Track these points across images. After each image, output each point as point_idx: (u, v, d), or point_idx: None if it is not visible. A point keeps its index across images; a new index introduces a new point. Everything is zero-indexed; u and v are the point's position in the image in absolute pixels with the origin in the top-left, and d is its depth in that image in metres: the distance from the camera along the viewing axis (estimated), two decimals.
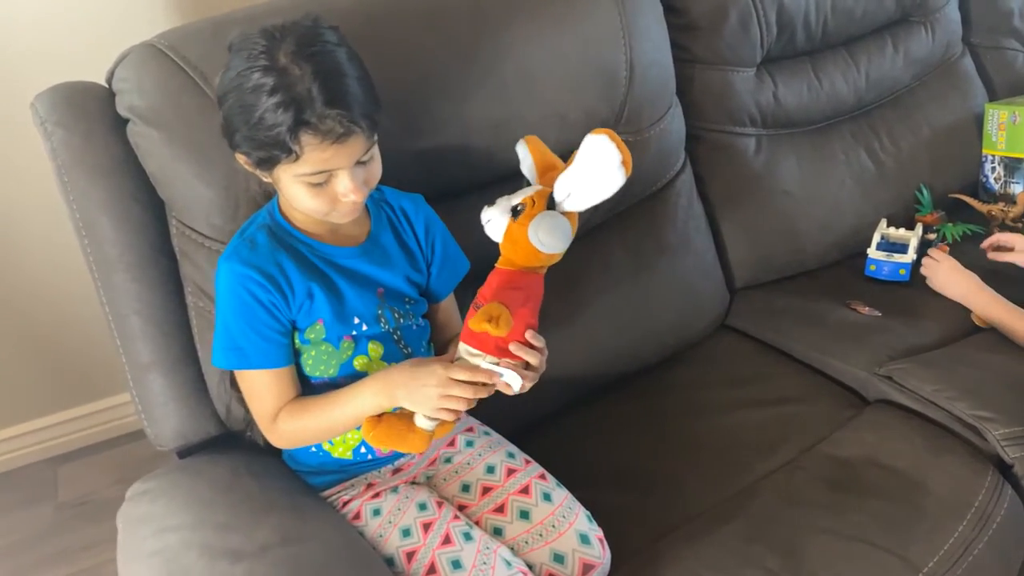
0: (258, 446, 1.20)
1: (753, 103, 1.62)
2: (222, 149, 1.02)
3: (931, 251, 1.58)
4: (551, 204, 1.02)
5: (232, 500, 1.05)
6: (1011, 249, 1.57)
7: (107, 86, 1.15)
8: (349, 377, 1.06)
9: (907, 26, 1.82)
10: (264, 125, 0.90)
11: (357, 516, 1.09)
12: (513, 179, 1.36)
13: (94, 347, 1.93)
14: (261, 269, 1.00)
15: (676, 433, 1.36)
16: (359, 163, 0.96)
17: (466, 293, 1.19)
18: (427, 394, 0.98)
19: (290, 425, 1.05)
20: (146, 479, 1.13)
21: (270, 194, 1.09)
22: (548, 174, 1.06)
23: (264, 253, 1.01)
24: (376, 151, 1.00)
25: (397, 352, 1.10)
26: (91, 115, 1.12)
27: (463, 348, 1.01)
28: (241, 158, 0.98)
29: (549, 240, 0.99)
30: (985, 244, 1.61)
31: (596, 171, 0.98)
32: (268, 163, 0.94)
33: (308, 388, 1.08)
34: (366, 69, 0.97)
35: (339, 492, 1.13)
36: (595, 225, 1.46)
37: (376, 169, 1.00)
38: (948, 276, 1.53)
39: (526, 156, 1.10)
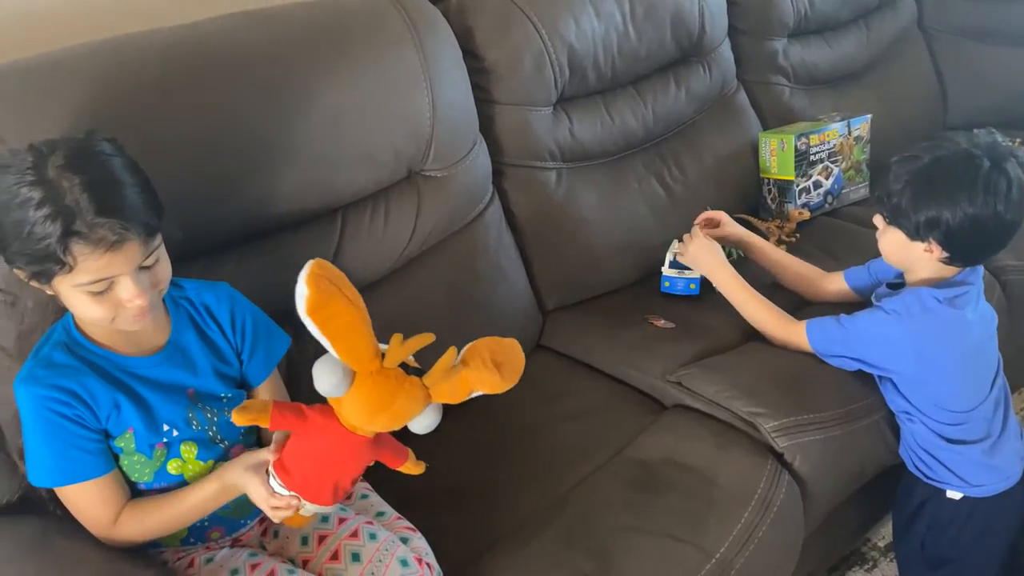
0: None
1: (552, 139, 1.73)
2: None
3: (693, 229, 1.68)
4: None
5: (40, 559, 1.02)
6: (718, 225, 1.72)
7: None
8: (165, 483, 1.07)
9: (687, 65, 2.00)
10: (34, 238, 0.89)
11: (191, 564, 1.09)
12: (323, 218, 1.40)
13: None
14: (61, 387, 0.99)
15: (498, 452, 1.44)
16: (143, 267, 0.96)
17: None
18: (259, 504, 1.03)
19: (134, 528, 1.04)
20: None
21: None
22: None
23: (62, 371, 1.00)
24: (162, 252, 0.99)
25: (214, 448, 1.10)
26: None
27: (272, 478, 1.01)
28: (19, 272, 0.96)
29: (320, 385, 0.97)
30: (697, 220, 1.73)
31: None
32: (44, 276, 0.93)
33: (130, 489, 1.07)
34: (145, 176, 0.97)
35: (166, 551, 1.12)
36: (411, 259, 1.52)
37: (163, 271, 1.00)
38: (698, 250, 1.63)
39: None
